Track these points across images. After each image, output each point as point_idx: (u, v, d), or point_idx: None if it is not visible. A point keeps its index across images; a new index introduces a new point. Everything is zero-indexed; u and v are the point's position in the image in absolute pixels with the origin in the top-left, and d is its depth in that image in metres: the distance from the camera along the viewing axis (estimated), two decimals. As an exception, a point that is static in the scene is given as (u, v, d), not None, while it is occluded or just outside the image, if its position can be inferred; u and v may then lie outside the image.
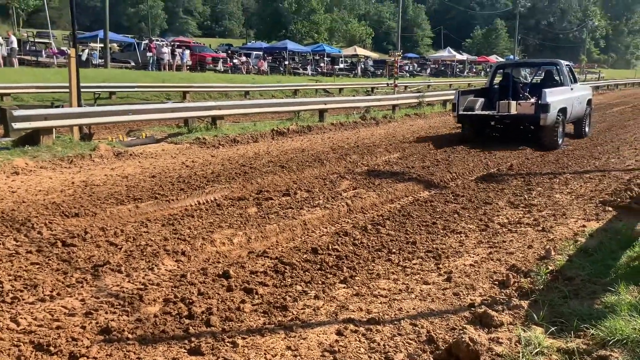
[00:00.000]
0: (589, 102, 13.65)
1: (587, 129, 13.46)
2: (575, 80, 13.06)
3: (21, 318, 3.48)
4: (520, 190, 7.49)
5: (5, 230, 5.24)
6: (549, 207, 6.56)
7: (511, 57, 68.28)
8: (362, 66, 54.65)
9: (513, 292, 3.93)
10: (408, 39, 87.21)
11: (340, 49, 62.66)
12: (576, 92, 12.57)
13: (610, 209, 6.33)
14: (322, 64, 51.29)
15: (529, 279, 4.14)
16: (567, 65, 13.00)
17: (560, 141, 11.41)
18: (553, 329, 3.24)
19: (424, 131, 14.43)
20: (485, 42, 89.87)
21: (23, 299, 3.78)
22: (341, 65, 53.97)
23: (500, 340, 3.14)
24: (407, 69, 56.10)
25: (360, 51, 60.91)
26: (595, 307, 3.55)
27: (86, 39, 39.32)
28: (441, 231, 5.67)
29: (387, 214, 6.34)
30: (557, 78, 12.85)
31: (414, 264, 4.69)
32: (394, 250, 5.05)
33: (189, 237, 5.22)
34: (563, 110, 11.40)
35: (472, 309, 3.66)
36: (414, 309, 3.74)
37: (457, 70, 63.63)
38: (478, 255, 4.89)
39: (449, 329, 3.40)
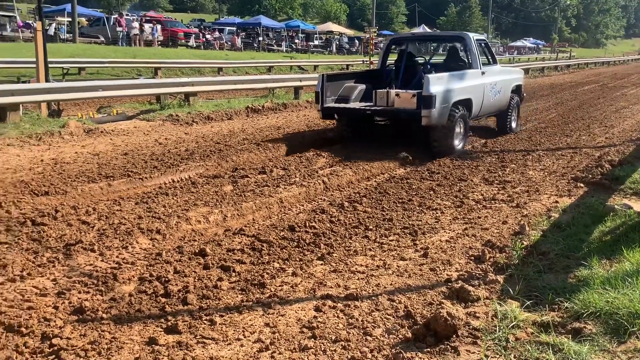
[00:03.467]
0: (518, 89, 10.80)
1: (513, 124, 10.66)
2: (493, 61, 10.10)
3: (-9, 299, 3.38)
4: (495, 167, 7.56)
5: (-28, 210, 5.07)
6: (523, 183, 6.64)
7: (484, 35, 68.46)
8: (337, 43, 54.23)
9: (489, 267, 3.97)
10: (382, 15, 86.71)
11: (315, 25, 62.02)
12: (491, 76, 9.43)
13: (582, 185, 6.43)
14: (296, 41, 50.74)
15: (504, 254, 4.20)
16: (478, 40, 9.67)
17: (459, 144, 8.58)
18: (528, 302, 3.29)
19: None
20: (460, 20, 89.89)
21: (-8, 280, 3.67)
22: (316, 42, 53.48)
23: (477, 314, 3.17)
24: (381, 46, 55.84)
25: (335, 28, 60.42)
26: (569, 281, 3.62)
27: (53, 13, 38.01)
28: (417, 208, 5.69)
29: (364, 191, 6.33)
30: (463, 57, 9.71)
31: (391, 241, 4.70)
32: (370, 227, 5.05)
33: (164, 215, 5.14)
34: (465, 103, 8.58)
35: (449, 284, 3.69)
36: (391, 284, 3.76)
37: (432, 47, 63.68)
38: (454, 231, 4.93)
39: (426, 304, 3.43)
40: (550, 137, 10.13)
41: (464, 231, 4.91)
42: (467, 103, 8.67)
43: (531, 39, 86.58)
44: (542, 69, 34.21)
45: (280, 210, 5.60)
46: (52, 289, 3.59)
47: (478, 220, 5.24)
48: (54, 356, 2.82)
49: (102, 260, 4.12)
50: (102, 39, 34.26)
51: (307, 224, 5.00)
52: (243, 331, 3.11)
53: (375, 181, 6.89)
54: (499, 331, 2.96)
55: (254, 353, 2.90)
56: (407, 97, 8.33)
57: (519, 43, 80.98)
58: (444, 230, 4.96)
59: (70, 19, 33.48)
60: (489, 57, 10.02)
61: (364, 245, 4.59)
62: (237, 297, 3.54)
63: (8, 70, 17.39)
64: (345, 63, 34.14)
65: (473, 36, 9.41)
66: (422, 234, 4.87)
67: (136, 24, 35.51)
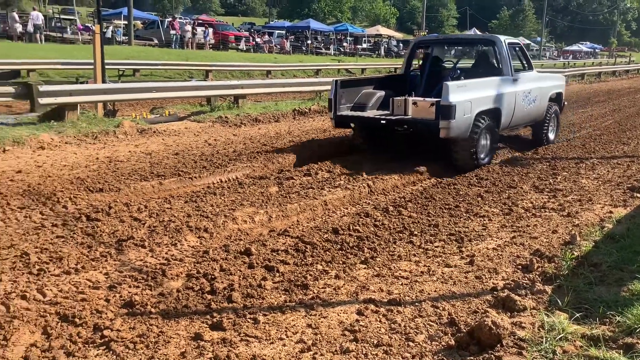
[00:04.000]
0: (557, 97, 9.97)
1: (551, 135, 9.84)
2: (528, 67, 9.18)
3: (47, 289, 3.55)
4: (546, 175, 7.36)
5: (32, 204, 5.33)
6: (575, 192, 6.43)
7: (538, 39, 66.75)
8: (386, 46, 53.97)
9: (537, 277, 3.87)
10: (433, 18, 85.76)
11: (363, 28, 61.96)
12: (524, 83, 8.65)
13: (638, 195, 6.18)
14: (344, 44, 50.81)
15: (553, 264, 4.08)
16: (511, 44, 8.80)
17: (484, 158, 7.86)
18: (577, 315, 3.19)
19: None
20: (512, 24, 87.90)
21: (49, 271, 3.86)
22: (364, 45, 53.39)
23: (523, 324, 3.10)
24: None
25: (384, 31, 60.15)
26: (622, 294, 3.49)
27: (110, 16, 39.49)
28: (464, 214, 5.61)
29: (409, 195, 6.28)
30: (494, 63, 8.92)
31: (436, 247, 4.65)
32: (415, 232, 5.01)
33: (212, 214, 5.25)
34: (492, 113, 7.88)
35: (495, 292, 3.62)
36: (435, 291, 3.72)
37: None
38: (501, 239, 4.83)
39: (470, 312, 3.38)
40: (606, 144, 9.77)
41: (511, 239, 4.80)
42: (494, 113, 7.94)
43: (588, 43, 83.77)
44: (598, 74, 33.01)
45: (325, 213, 5.63)
46: (104, 283, 3.74)
47: (527, 228, 5.11)
48: (104, 347, 2.93)
49: (151, 256, 4.25)
50: (156, 41, 35.30)
51: (351, 227, 5.01)
52: (285, 331, 3.15)
53: (421, 186, 6.82)
54: (546, 343, 2.88)
55: (296, 353, 2.93)
56: (424, 106, 7.57)
57: (574, 47, 78.50)
58: (491, 238, 4.87)
59: (126, 22, 34.65)
60: (524, 63, 9.22)
61: (408, 250, 4.56)
62: (281, 297, 3.59)
63: (67, 71, 18.15)
64: (393, 66, 33.91)
65: (505, 39, 8.61)
66: (469, 241, 4.80)
67: (189, 27, 36.40)
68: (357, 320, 3.28)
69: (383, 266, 4.19)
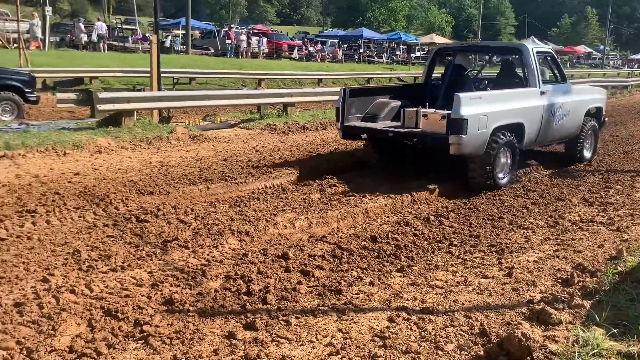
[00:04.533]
0: (597, 111, 9.10)
1: (586, 153, 8.98)
2: (561, 78, 8.42)
3: (94, 285, 3.77)
4: (597, 188, 7.13)
5: (86, 205, 5.63)
6: (627, 206, 6.21)
7: (601, 47, 64.30)
8: (439, 55, 53.26)
9: (576, 291, 3.78)
10: (489, 27, 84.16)
11: (417, 37, 61.51)
12: (555, 96, 7.87)
13: (696, 211, 5.90)
14: (397, 52, 50.59)
15: (594, 278, 3.97)
16: (540, 52, 8.12)
17: (503, 178, 7.13)
18: (615, 330, 3.10)
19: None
20: (574, 31, 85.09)
21: (97, 268, 4.09)
22: (417, 54, 52.97)
23: (556, 338, 3.04)
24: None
25: (438, 39, 59.34)
26: (665, 312, 3.36)
27: (169, 26, 40.91)
28: (507, 226, 5.53)
29: (452, 206, 6.23)
30: (520, 73, 8.23)
31: (475, 257, 4.62)
32: (455, 242, 4.98)
33: (254, 218, 5.39)
34: (514, 128, 7.13)
35: (531, 305, 3.56)
36: (469, 301, 3.70)
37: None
38: (543, 252, 4.73)
39: (503, 324, 3.34)
40: (665, 158, 9.34)
41: (554, 252, 4.70)
42: (516, 128, 7.18)
43: (655, 51, 79.87)
44: (665, 84, 31.45)
45: (365, 221, 5.68)
46: (148, 281, 3.92)
47: (572, 242, 4.99)
48: (143, 341, 3.09)
49: (194, 257, 4.42)
50: (213, 50, 36.28)
51: (390, 236, 5.03)
52: (316, 334, 3.22)
53: (465, 196, 6.75)
54: (578, 357, 2.82)
55: (325, 356, 2.99)
56: (435, 118, 6.87)
57: (640, 56, 75.11)
58: (532, 251, 4.78)
59: (184, 32, 35.83)
60: (556, 73, 8.46)
61: (446, 260, 4.54)
62: (314, 301, 3.66)
63: (127, 79, 18.96)
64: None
65: (532, 48, 7.85)
66: (509, 252, 4.73)
67: (244, 37, 37.23)
68: (388, 327, 3.31)
69: (419, 275, 4.19)
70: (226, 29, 40.89)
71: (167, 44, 33.93)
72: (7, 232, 4.77)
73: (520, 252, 4.75)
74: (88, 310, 3.42)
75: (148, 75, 13.75)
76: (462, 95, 6.50)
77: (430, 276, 4.18)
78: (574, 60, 61.59)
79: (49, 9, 26.53)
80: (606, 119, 9.57)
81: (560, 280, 4.04)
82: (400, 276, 4.17)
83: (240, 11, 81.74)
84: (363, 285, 3.95)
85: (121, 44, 33.70)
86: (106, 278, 3.93)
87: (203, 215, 5.46)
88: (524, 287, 3.93)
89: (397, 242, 4.89)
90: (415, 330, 3.27)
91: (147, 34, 34.21)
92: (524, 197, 6.67)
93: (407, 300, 3.71)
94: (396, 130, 7.22)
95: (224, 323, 3.33)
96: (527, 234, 5.27)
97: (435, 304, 3.62)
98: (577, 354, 2.86)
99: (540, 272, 4.24)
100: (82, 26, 31.93)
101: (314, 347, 3.07)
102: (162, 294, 3.69)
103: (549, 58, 8.43)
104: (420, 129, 7.08)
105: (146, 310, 3.44)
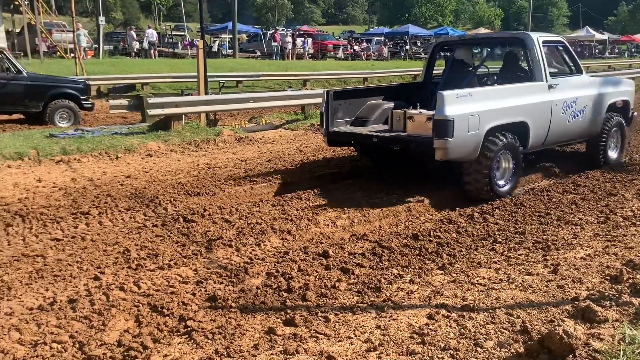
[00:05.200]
0: (625, 105, 8.04)
1: (612, 153, 7.97)
2: (576, 70, 7.48)
3: (142, 282, 3.93)
4: (653, 182, 6.83)
5: (137, 206, 5.86)
6: (685, 200, 5.93)
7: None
8: (488, 49, 52.15)
9: (625, 288, 3.65)
10: (541, 18, 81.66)
11: (465, 31, 60.40)
12: (566, 90, 7.01)
13: None
14: (445, 48, 49.78)
15: (646, 275, 3.82)
16: (548, 42, 7.28)
17: (504, 185, 6.37)
18: (664, 329, 2.99)
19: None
20: (632, 20, 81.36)
21: (145, 266, 4.26)
22: (465, 49, 51.96)
23: (601, 336, 2.95)
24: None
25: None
26: None
27: (217, 31, 41.83)
28: (554, 222, 5.38)
29: (498, 202, 6.12)
30: (523, 66, 7.51)
31: (520, 254, 4.53)
32: (499, 239, 4.90)
33: (296, 217, 5.47)
34: (515, 128, 6.34)
35: (576, 302, 3.47)
36: (512, 299, 3.64)
37: (597, 51, 58.36)
38: (592, 248, 4.59)
39: (546, 321, 3.27)
40: None
41: (603, 249, 4.55)
42: (519, 128, 6.40)
43: None
44: None
45: (408, 219, 5.65)
46: (193, 278, 4.06)
47: (623, 238, 4.81)
48: (186, 336, 3.20)
49: (237, 255, 4.54)
50: (259, 53, 36.82)
51: (432, 233, 5.00)
52: (354, 330, 3.25)
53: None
54: (624, 356, 2.73)
55: (363, 352, 3.02)
56: (420, 120, 6.20)
57: None
58: (580, 247, 4.64)
59: (231, 36, 36.51)
60: (570, 65, 7.53)
61: (490, 257, 4.48)
62: (353, 298, 3.69)
63: (176, 84, 19.53)
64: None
65: (537, 37, 6.99)
66: (556, 249, 4.61)
67: (289, 39, 37.58)
68: (427, 324, 3.30)
69: (461, 272, 4.15)
70: (272, 31, 41.38)
71: (215, 48, 34.67)
72: (63, 233, 5.03)
73: (567, 248, 4.62)
74: (136, 306, 3.57)
75: (194, 80, 14.13)
76: (445, 93, 5.72)
77: (472, 274, 4.13)
78: (633, 50, 58.91)
79: (102, 19, 27.62)
80: (635, 113, 8.47)
81: (608, 277, 3.91)
82: (441, 274, 4.15)
83: (286, 13, 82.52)
84: (403, 283, 3.95)
85: (171, 50, 34.70)
86: (153, 276, 4.09)
87: (247, 215, 5.57)
88: (569, 284, 3.83)
89: (439, 240, 4.85)
90: (455, 328, 3.25)
91: (194, 40, 35.04)
92: (574, 192, 6.47)
93: (448, 297, 3.69)
94: (380, 135, 6.55)
95: (265, 319, 3.41)
96: (576, 230, 5.12)
97: (476, 301, 3.58)
98: (622, 352, 2.78)
99: (588, 269, 4.11)
100: (134, 34, 33.09)
101: (352, 343, 3.11)
102: (206, 291, 3.81)
103: (559, 47, 7.60)
104: (406, 133, 6.46)
105: (190, 306, 3.57)
